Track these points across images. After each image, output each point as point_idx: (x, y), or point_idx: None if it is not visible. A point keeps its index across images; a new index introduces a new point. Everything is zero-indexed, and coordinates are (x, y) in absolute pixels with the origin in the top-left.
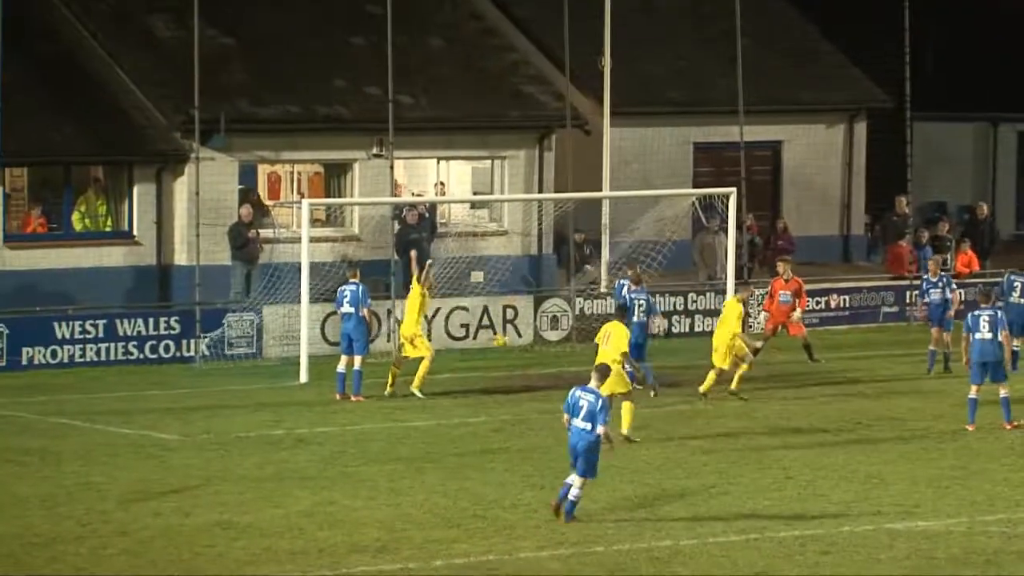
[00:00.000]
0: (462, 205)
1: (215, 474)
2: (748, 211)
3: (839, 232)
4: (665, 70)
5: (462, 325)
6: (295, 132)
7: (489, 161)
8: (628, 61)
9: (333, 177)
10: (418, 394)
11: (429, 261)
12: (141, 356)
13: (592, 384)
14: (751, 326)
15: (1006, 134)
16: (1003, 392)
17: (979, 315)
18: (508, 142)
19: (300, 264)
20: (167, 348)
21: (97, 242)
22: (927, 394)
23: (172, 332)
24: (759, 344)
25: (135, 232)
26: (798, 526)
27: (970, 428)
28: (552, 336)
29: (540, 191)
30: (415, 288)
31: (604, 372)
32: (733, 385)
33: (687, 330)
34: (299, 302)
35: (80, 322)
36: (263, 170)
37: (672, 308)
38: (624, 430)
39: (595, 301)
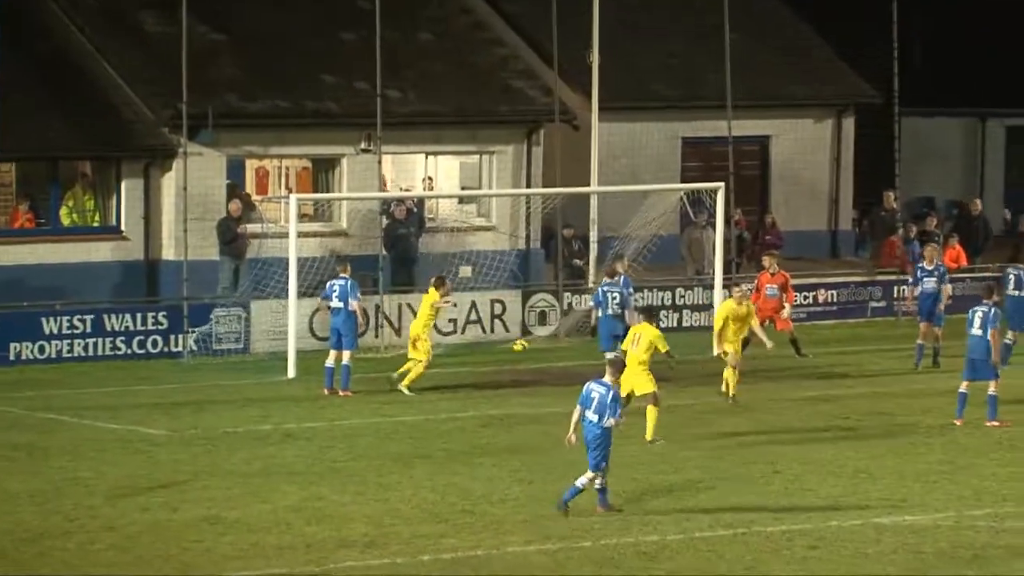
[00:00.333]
0: (450, 200)
1: (203, 469)
2: (736, 206)
3: (827, 227)
4: (654, 65)
5: (450, 320)
6: (283, 127)
7: (477, 156)
8: (617, 56)
9: (321, 172)
10: (406, 392)
11: (447, 274)
12: (129, 351)
13: (606, 377)
14: None
15: (994, 129)
16: (990, 390)
17: (975, 310)
18: (497, 137)
19: (288, 259)
20: (155, 343)
21: (85, 237)
22: (915, 389)
23: (160, 327)
24: (768, 343)
25: (123, 227)
26: (786, 520)
27: (958, 423)
28: (540, 331)
29: (528, 186)
30: (432, 293)
31: (619, 365)
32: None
33: (675, 325)
34: (287, 297)
35: (68, 317)
36: (251, 165)
37: (660, 303)
38: (648, 436)
39: (583, 296)
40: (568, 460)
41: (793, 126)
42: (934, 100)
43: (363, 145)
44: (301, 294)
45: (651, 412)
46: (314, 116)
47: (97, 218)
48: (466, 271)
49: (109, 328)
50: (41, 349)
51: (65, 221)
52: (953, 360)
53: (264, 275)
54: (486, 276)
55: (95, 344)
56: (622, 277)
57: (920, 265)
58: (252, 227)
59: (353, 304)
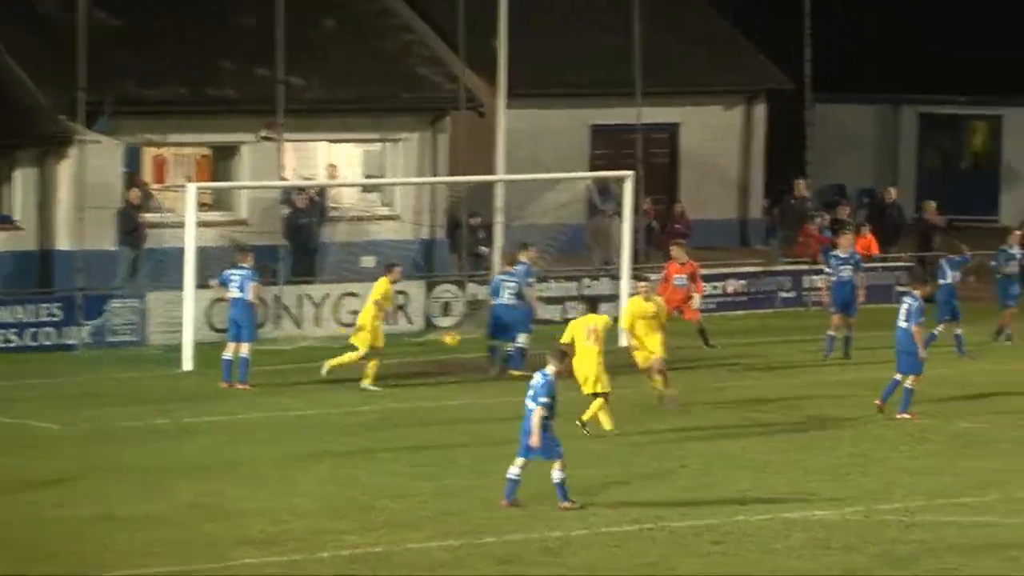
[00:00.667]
0: (353, 189)
1: (97, 465)
2: (645, 195)
3: (737, 216)
4: (562, 51)
5: (352, 311)
6: (182, 114)
7: (381, 144)
8: (524, 42)
9: (221, 160)
10: (324, 372)
11: (399, 267)
12: (21, 343)
13: (548, 367)
14: None
15: (908, 116)
16: (907, 382)
17: (903, 302)
18: (401, 124)
19: (186, 249)
20: (48, 335)
21: None
22: (824, 380)
23: (54, 319)
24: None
25: (16, 216)
26: (692, 515)
27: (877, 403)
28: (444, 322)
29: (433, 174)
30: (382, 282)
31: (559, 355)
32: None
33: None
34: (183, 288)
35: None
36: (149, 153)
37: (566, 294)
38: (608, 426)
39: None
40: (473, 454)
41: (703, 113)
42: (847, 86)
43: (264, 133)
44: (199, 285)
45: (598, 403)
46: (214, 103)
47: None
48: (369, 261)
49: (1, 320)
50: None
51: None
52: (865, 352)
53: (162, 266)
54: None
55: None
56: (524, 266)
57: (834, 253)
58: (150, 216)
59: (251, 289)
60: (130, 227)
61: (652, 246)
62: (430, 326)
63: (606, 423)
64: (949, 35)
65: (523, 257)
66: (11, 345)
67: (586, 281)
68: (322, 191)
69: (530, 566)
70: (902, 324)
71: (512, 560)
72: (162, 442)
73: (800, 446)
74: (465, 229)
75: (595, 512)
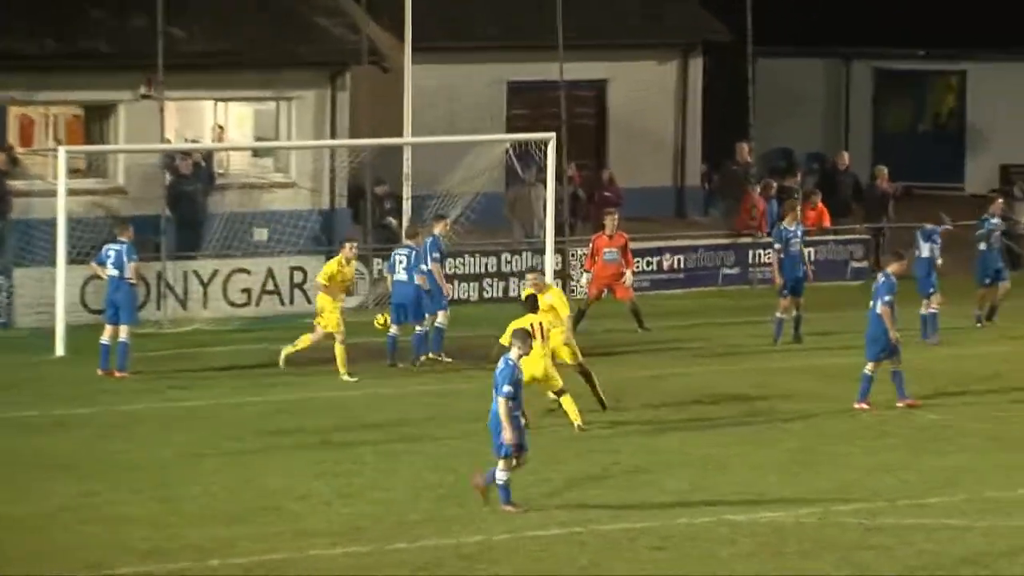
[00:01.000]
0: (243, 153)
1: None
2: (570, 160)
3: (672, 183)
4: (475, 1)
5: (243, 290)
6: (51, 70)
7: (274, 103)
8: None
9: (94, 121)
10: (348, 378)
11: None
12: None
13: (511, 352)
14: (573, 290)
15: (860, 72)
16: (866, 368)
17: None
18: (296, 81)
19: (56, 220)
20: None
21: None
22: (773, 367)
23: None
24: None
25: None
26: (627, 518)
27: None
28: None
29: (333, 137)
30: (331, 263)
31: (522, 335)
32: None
33: (500, 295)
34: (55, 264)
35: None
36: (14, 113)
37: (484, 270)
38: (577, 421)
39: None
40: (381, 451)
41: (633, 68)
42: (792, 38)
43: (143, 90)
44: (72, 260)
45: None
46: (86, 57)
47: None
48: (261, 234)
49: None
50: None
51: None
52: (818, 336)
53: (29, 239)
54: (285, 239)
55: None
56: (430, 239)
57: (782, 226)
58: (16, 184)
59: (130, 267)
60: None
61: (578, 217)
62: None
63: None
64: None
65: (436, 229)
66: None
67: (506, 256)
68: (208, 155)
69: (445, 574)
70: (870, 305)
71: (426, 568)
72: (30, 436)
73: (746, 440)
74: (370, 198)
75: (518, 515)
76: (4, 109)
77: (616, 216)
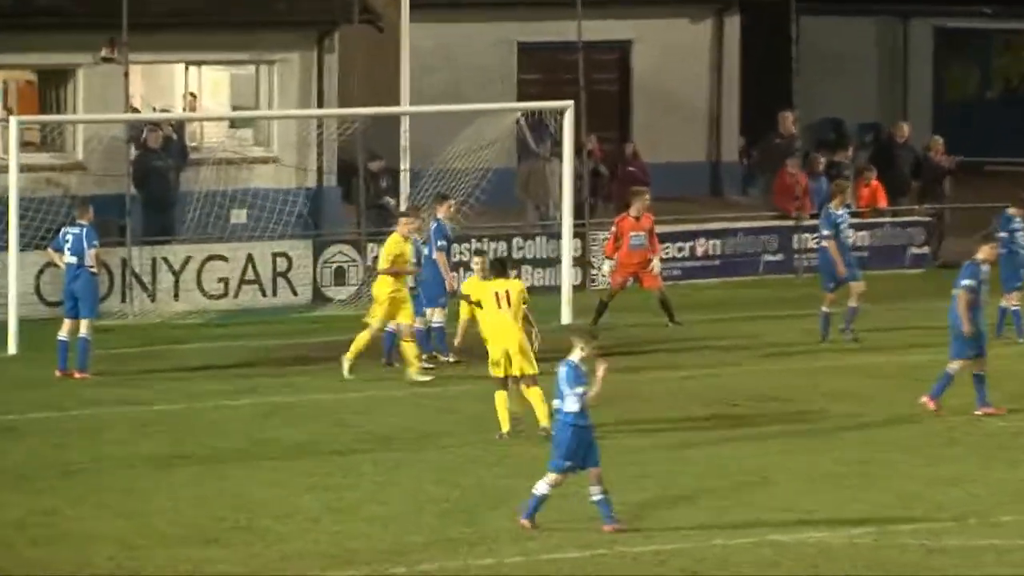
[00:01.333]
0: (219, 124)
1: None
2: (589, 131)
3: (706, 158)
4: None
5: (220, 279)
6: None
7: (253, 67)
8: None
9: (50, 88)
10: (346, 372)
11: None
12: None
13: (573, 352)
14: (593, 280)
15: (919, 31)
16: (949, 367)
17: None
18: (279, 42)
19: (7, 200)
20: None
21: None
22: (822, 367)
23: None
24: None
25: None
26: (657, 538)
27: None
28: (336, 293)
29: (320, 105)
30: (391, 239)
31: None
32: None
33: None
34: (6, 250)
35: None
36: None
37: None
38: (542, 422)
39: None
40: (377, 460)
41: (661, 28)
42: None
43: (104, 53)
44: (24, 246)
45: (536, 394)
46: (39, 15)
47: None
48: (240, 215)
49: None
50: None
51: None
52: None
53: None
54: (266, 222)
55: None
56: (434, 224)
57: (829, 209)
58: None
59: (90, 253)
60: None
61: (599, 196)
62: (319, 298)
63: (541, 413)
64: None
65: (439, 213)
66: None
67: (518, 242)
68: (179, 127)
69: None
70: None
71: None
72: None
73: (791, 449)
74: (363, 175)
75: (533, 535)
76: None
77: (647, 195)
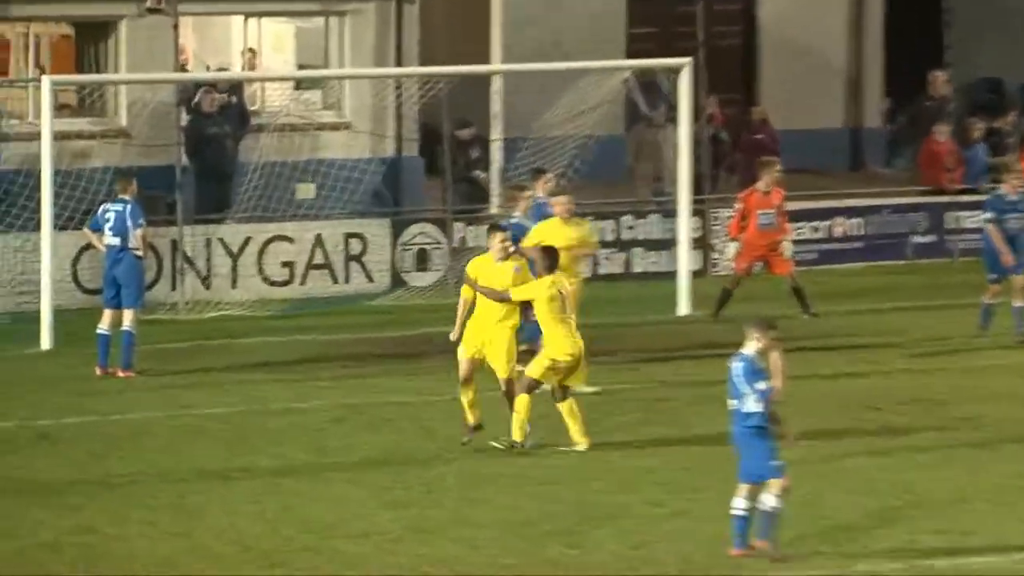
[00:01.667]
0: (282, 85)
1: None
2: (709, 93)
3: (844, 124)
4: None
5: (284, 264)
6: None
7: (322, 19)
8: None
9: (88, 44)
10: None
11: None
12: None
13: (747, 345)
14: (714, 264)
15: None
16: None
17: None
18: None
19: (39, 173)
20: None
21: None
22: (982, 367)
23: None
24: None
25: None
26: (794, 564)
27: None
28: (418, 280)
29: (399, 64)
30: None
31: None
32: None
33: (621, 270)
34: (38, 230)
35: None
36: None
37: (600, 237)
38: (580, 441)
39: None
40: (463, 472)
41: None
42: None
43: (149, 3)
44: (61, 226)
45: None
46: None
47: None
48: (307, 190)
49: None
50: None
51: None
52: None
53: (5, 197)
54: (337, 198)
55: None
56: (534, 204)
57: (998, 192)
58: None
59: (135, 234)
60: None
61: (721, 168)
62: (399, 284)
63: (517, 431)
64: None
65: (539, 191)
66: None
67: (627, 220)
68: (237, 88)
69: None
70: None
71: None
72: (8, 454)
73: (946, 462)
74: (449, 144)
75: (639, 551)
76: None
77: (777, 166)
